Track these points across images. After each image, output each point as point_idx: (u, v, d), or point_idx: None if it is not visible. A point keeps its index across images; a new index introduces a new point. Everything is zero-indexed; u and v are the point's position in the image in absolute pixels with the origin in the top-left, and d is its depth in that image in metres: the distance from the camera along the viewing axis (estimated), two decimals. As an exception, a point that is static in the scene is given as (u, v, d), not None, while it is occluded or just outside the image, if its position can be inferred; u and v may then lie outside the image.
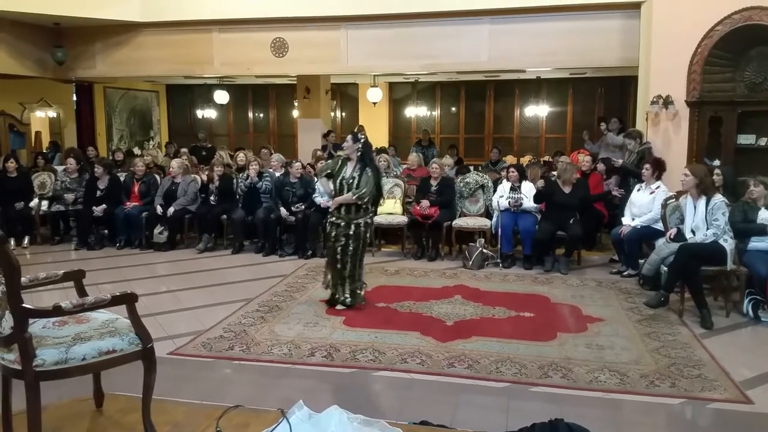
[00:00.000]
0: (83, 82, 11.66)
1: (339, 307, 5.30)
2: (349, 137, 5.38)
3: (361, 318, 5.04)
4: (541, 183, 6.92)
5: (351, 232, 5.25)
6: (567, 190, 6.78)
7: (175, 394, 3.44)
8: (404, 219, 7.45)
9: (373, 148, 11.49)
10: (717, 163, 6.79)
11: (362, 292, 5.42)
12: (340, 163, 5.39)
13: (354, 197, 5.19)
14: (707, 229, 5.19)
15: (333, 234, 5.33)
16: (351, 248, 5.25)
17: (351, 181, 5.24)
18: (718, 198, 5.24)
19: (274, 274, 6.59)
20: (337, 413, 2.84)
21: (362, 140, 5.32)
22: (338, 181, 5.31)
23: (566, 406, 3.53)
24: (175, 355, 4.27)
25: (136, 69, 10.21)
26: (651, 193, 6.30)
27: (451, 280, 6.32)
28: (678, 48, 6.92)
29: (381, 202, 5.85)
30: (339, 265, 5.27)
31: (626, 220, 6.41)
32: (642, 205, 6.31)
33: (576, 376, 3.91)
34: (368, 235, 5.41)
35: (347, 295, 5.31)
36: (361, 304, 5.34)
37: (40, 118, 12.14)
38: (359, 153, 5.27)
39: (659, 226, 6.00)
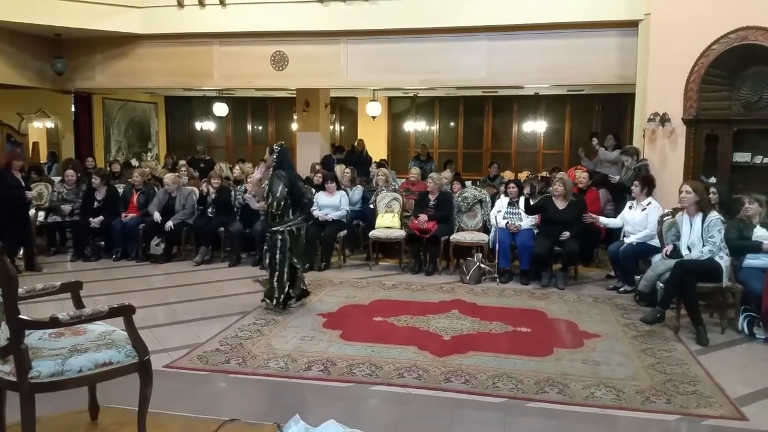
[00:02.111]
0: (82, 93, 11.69)
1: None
2: (268, 150, 5.82)
3: (358, 332, 5.03)
4: (527, 191, 6.99)
5: (272, 241, 5.61)
6: (561, 205, 6.80)
7: (171, 408, 3.42)
8: (402, 233, 7.46)
9: (373, 161, 11.69)
10: (713, 180, 6.83)
11: (280, 298, 5.59)
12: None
13: (265, 205, 5.63)
14: (703, 246, 5.21)
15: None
16: (274, 255, 5.57)
17: (266, 189, 5.65)
18: (714, 215, 5.27)
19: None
20: (334, 427, 2.84)
21: (277, 151, 5.64)
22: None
23: (562, 421, 3.53)
24: (170, 368, 4.25)
25: (135, 81, 10.24)
26: (643, 210, 6.33)
27: (449, 294, 6.32)
28: (675, 66, 6.98)
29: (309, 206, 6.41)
30: (269, 270, 5.65)
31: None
32: (636, 223, 6.34)
33: (572, 392, 3.90)
34: (288, 244, 5.56)
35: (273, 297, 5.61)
36: (280, 308, 5.58)
37: (38, 128, 12.15)
38: (274, 163, 5.62)
39: (655, 242, 6.02)
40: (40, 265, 7.27)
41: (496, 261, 6.94)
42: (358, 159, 11.42)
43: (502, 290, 6.53)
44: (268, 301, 5.64)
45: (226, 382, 4.10)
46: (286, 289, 5.60)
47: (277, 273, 5.57)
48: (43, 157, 12.14)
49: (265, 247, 5.79)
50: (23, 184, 7.18)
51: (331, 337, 4.92)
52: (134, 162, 13.12)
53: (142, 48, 9.85)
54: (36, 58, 9.87)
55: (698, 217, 5.29)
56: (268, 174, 5.72)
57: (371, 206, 8.10)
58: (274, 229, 5.58)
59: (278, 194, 5.49)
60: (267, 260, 5.72)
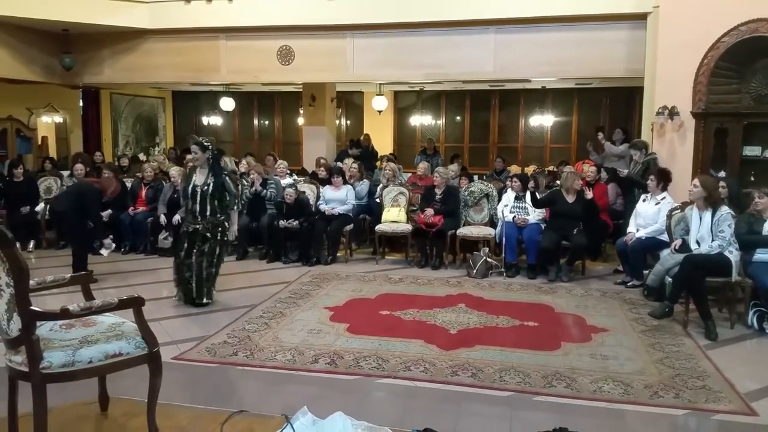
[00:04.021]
0: (90, 87, 11.73)
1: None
2: (197, 148, 5.54)
3: (365, 325, 5.04)
4: (531, 184, 7.00)
5: (210, 235, 5.55)
6: (570, 199, 6.78)
7: (179, 399, 3.45)
8: (408, 227, 7.45)
9: (379, 155, 11.70)
10: (722, 174, 6.79)
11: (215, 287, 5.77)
12: (188, 173, 5.66)
13: (237, 208, 5.75)
14: (712, 240, 5.18)
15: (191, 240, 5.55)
16: (220, 248, 5.65)
17: (205, 188, 5.49)
18: (725, 210, 5.22)
19: (278, 280, 6.60)
20: (341, 419, 2.85)
21: (210, 147, 5.54)
22: (189, 189, 5.52)
23: (570, 415, 3.52)
24: (179, 360, 4.28)
25: (143, 75, 10.28)
26: (656, 204, 6.29)
27: (455, 288, 6.31)
28: (684, 59, 6.93)
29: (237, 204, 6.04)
30: (196, 269, 5.54)
31: (631, 228, 6.41)
32: (647, 216, 6.31)
33: (580, 386, 3.90)
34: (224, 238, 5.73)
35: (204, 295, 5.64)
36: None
37: (47, 123, 12.21)
38: (210, 161, 5.53)
39: (664, 237, 5.99)
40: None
41: (503, 255, 6.92)
42: (364, 153, 11.41)
43: (509, 284, 6.53)
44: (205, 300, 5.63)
45: (234, 374, 4.12)
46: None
47: (221, 263, 5.70)
48: (52, 152, 12.20)
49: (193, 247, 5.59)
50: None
51: (338, 330, 4.93)
52: (142, 156, 13.15)
53: (150, 43, 9.87)
54: (44, 53, 9.91)
55: (708, 212, 5.26)
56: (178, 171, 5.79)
57: (377, 200, 8.10)
58: (216, 222, 5.57)
59: (236, 192, 5.73)
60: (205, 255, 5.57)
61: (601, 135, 9.26)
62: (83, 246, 6.62)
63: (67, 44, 10.02)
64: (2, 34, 9.10)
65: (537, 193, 6.91)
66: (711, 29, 6.81)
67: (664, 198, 6.30)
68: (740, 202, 5.99)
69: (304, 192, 7.86)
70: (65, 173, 9.22)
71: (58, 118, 12.29)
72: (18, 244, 2.54)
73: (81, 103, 12.54)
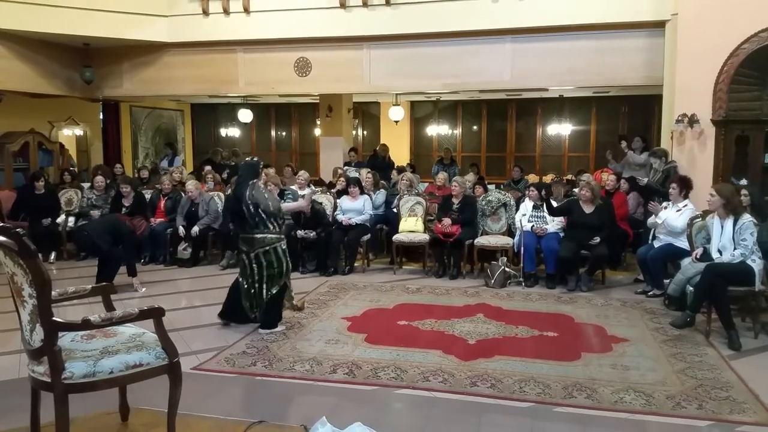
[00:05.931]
0: (110, 100, 11.91)
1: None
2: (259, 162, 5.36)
3: (383, 336, 5.03)
4: (544, 192, 6.94)
5: None
6: (588, 210, 6.72)
7: (199, 409, 3.46)
8: (426, 237, 7.43)
9: (395, 165, 11.71)
10: (744, 182, 6.69)
11: None
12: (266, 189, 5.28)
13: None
14: (734, 249, 5.10)
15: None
16: None
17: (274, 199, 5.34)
18: (747, 218, 5.15)
19: (296, 290, 6.57)
20: (360, 430, 2.84)
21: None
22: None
23: (591, 426, 3.48)
24: (198, 370, 4.29)
25: (162, 88, 10.41)
26: (678, 211, 6.21)
27: (473, 298, 6.28)
28: (703, 66, 6.87)
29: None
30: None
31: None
32: (669, 225, 6.23)
33: (601, 397, 3.85)
34: None
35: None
36: None
37: (68, 136, 12.40)
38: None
39: (685, 245, 5.91)
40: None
41: (522, 265, 6.88)
42: (380, 164, 11.43)
43: (527, 294, 6.48)
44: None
45: (253, 384, 4.13)
46: None
47: None
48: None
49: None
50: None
51: (355, 340, 4.92)
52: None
53: (169, 56, 10.01)
54: (65, 67, 10.09)
55: (729, 220, 5.18)
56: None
57: (394, 210, 8.11)
58: None
59: None
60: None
61: (624, 143, 9.20)
62: (118, 265, 6.72)
63: (87, 58, 10.20)
64: (25, 49, 9.29)
65: (553, 201, 6.86)
66: (730, 36, 6.75)
67: (686, 206, 6.22)
68: (762, 210, 5.89)
69: (321, 203, 7.89)
70: (86, 185, 9.36)
71: (78, 131, 12.48)
72: (40, 256, 2.57)
73: (101, 116, 12.74)
